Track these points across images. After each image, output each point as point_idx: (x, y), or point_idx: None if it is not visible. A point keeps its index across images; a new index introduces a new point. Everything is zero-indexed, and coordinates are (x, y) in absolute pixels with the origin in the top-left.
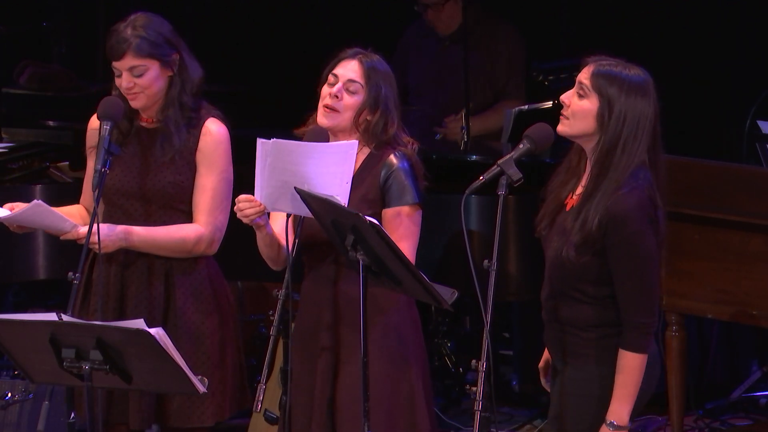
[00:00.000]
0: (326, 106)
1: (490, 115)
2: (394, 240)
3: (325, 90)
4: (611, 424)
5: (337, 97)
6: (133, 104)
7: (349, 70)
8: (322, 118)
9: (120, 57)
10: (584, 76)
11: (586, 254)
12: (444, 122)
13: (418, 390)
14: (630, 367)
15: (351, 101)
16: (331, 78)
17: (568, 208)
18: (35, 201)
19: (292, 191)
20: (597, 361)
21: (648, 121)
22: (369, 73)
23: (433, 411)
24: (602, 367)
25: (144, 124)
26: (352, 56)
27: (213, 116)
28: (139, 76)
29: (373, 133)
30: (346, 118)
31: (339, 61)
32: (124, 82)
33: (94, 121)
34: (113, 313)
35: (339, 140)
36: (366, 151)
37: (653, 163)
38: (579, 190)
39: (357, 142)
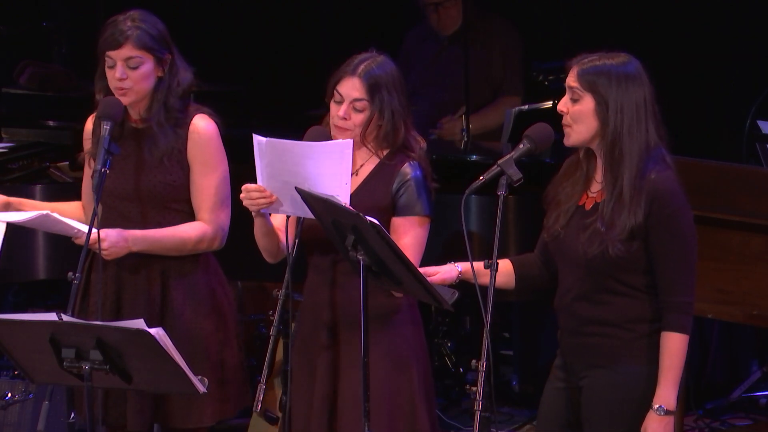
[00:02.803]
0: (336, 126)
1: (489, 113)
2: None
3: (333, 108)
4: (660, 409)
5: (345, 118)
6: (122, 100)
7: (351, 88)
8: (336, 135)
9: (119, 46)
10: (571, 79)
11: (633, 243)
12: (439, 123)
13: (419, 392)
14: (676, 348)
15: (359, 118)
16: (336, 95)
17: (587, 207)
18: (43, 212)
19: (292, 192)
20: (647, 360)
21: (647, 103)
22: (372, 86)
23: (435, 412)
24: (650, 366)
25: (134, 124)
26: (353, 72)
27: (201, 113)
28: (135, 68)
29: (385, 140)
30: (357, 134)
31: (342, 77)
32: (117, 72)
33: (89, 124)
34: (110, 315)
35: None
36: (375, 160)
37: (662, 140)
38: (595, 187)
39: (351, 141)
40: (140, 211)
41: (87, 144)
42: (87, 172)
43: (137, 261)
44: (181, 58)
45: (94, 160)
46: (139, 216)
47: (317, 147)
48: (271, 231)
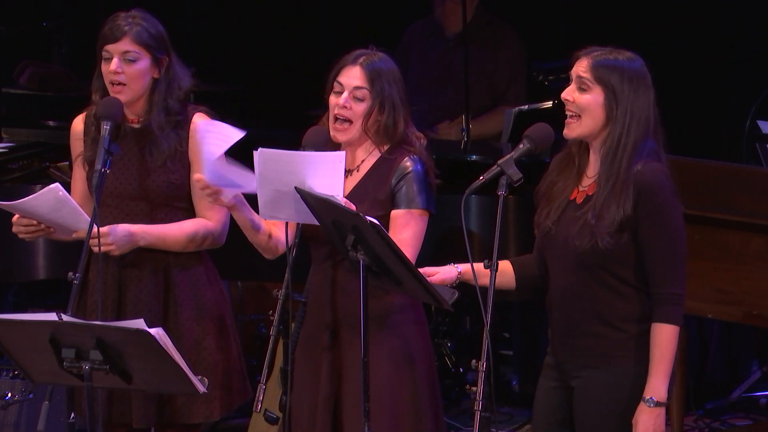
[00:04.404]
0: (337, 116)
1: (488, 119)
2: (396, 243)
3: (333, 99)
4: (650, 401)
5: (345, 107)
6: (117, 97)
7: (352, 77)
8: (335, 134)
9: (117, 40)
10: (582, 69)
11: (623, 235)
12: (436, 127)
13: (423, 392)
14: (667, 340)
15: (360, 108)
16: (336, 86)
17: (579, 201)
18: (54, 185)
19: (288, 198)
20: (636, 361)
21: (652, 104)
22: (372, 76)
23: (441, 412)
24: (639, 367)
25: (132, 125)
26: (354, 62)
27: (199, 111)
28: (131, 62)
29: (385, 134)
30: (358, 126)
31: (342, 67)
32: (112, 65)
33: (77, 124)
34: (112, 313)
35: (351, 151)
36: (376, 154)
37: (657, 140)
38: (585, 181)
39: (345, 153)
40: (146, 209)
41: (76, 146)
42: (77, 175)
43: (140, 256)
44: (179, 63)
45: (88, 163)
46: (145, 214)
47: (310, 157)
48: (256, 225)
